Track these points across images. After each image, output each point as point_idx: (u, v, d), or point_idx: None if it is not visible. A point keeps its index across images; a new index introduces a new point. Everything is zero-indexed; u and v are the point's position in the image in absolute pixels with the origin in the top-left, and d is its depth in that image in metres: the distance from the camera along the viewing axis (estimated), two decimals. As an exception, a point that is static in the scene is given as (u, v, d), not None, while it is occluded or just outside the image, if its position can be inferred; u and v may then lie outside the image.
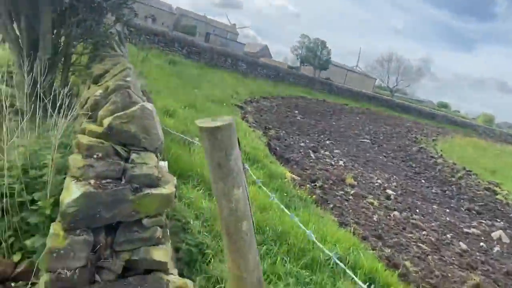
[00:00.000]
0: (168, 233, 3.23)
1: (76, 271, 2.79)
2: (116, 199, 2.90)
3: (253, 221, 2.02)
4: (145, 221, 3.07)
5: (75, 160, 2.96)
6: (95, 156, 3.04)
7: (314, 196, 6.73)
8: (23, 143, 3.55)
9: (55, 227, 2.82)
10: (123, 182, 3.04)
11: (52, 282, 2.71)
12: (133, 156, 3.23)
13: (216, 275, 3.28)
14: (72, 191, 2.80)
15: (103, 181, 2.96)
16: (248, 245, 1.99)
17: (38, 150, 3.47)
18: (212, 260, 3.46)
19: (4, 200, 3.17)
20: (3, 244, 3.15)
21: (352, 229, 5.85)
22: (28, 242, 3.13)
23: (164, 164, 3.70)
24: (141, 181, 3.07)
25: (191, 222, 3.73)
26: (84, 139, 3.11)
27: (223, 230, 2.00)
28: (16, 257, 3.14)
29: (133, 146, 3.30)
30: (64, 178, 3.24)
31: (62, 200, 2.78)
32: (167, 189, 3.17)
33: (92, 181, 2.91)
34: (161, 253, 3.07)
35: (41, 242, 3.01)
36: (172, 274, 3.13)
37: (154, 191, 3.07)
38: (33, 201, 3.24)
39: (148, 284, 2.95)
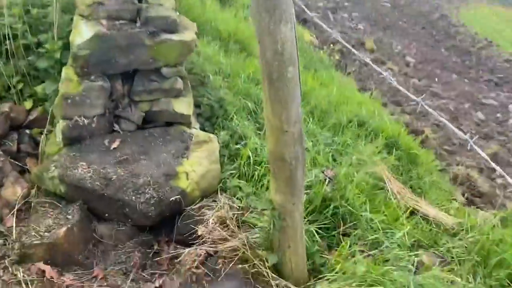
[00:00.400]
0: (189, 85, 2.98)
1: (94, 119, 2.61)
2: (131, 43, 2.58)
3: (299, 66, 1.72)
4: (164, 71, 2.79)
5: (82, -5, 2.56)
6: (104, -8, 2.63)
7: (334, 59, 6.37)
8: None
9: (67, 72, 2.56)
10: (138, 24, 2.68)
11: (69, 129, 2.55)
12: (147, -5, 2.81)
13: (239, 132, 3.12)
14: (82, 32, 2.47)
15: (116, 22, 2.62)
16: (292, 94, 1.73)
17: (37, -14, 3.02)
18: (235, 116, 3.26)
19: (7, 42, 2.86)
20: (12, 90, 2.92)
21: (372, 94, 5.61)
22: (38, 88, 2.89)
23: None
24: (158, 24, 2.71)
25: (211, 77, 3.45)
26: (90, -28, 2.66)
27: (263, 75, 1.72)
28: (28, 104, 2.94)
29: (145, -16, 2.85)
30: (71, 19, 2.88)
31: (72, 41, 2.47)
32: (188, 35, 2.82)
33: (104, 22, 2.56)
34: (183, 105, 2.85)
35: (53, 88, 2.77)
36: (194, 128, 2.97)
37: (173, 37, 2.73)
38: (39, 44, 2.93)
39: (170, 136, 2.79)
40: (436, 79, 8.31)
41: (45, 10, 2.96)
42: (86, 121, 2.55)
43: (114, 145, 2.61)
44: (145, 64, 2.70)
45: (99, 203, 2.43)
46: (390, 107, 5.79)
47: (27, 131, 2.90)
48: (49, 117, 2.84)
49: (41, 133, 2.89)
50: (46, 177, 2.43)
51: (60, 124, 2.54)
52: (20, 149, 2.83)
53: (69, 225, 2.26)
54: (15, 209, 2.43)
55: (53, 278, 2.14)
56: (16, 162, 2.76)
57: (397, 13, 13.88)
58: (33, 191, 2.61)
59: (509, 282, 2.73)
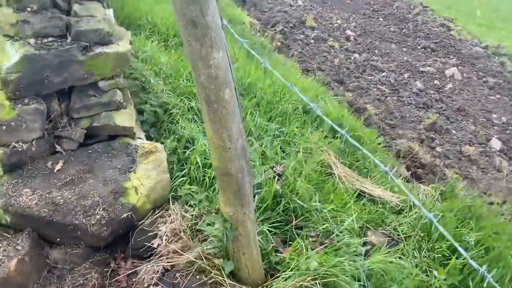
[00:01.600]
0: (129, 95, 2.92)
1: (33, 142, 2.53)
2: (64, 61, 2.50)
3: (235, 87, 1.75)
4: (101, 84, 2.73)
5: (6, 15, 2.44)
6: (29, 9, 2.51)
7: (276, 43, 6.40)
8: None
9: (-3, 98, 2.45)
10: (68, 40, 2.59)
11: (7, 156, 2.46)
12: (76, 7, 2.71)
13: (186, 136, 3.12)
14: (9, 54, 2.36)
15: (45, 40, 2.51)
16: (231, 114, 1.76)
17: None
18: (180, 120, 3.25)
19: None
20: None
21: (315, 76, 5.72)
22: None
23: (109, 12, 3.17)
24: (90, 38, 2.63)
25: (152, 81, 3.40)
26: (10, -12, 2.51)
27: (200, 97, 1.74)
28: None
29: (73, -5, 2.73)
30: (-6, 38, 2.72)
31: (0, 65, 2.35)
32: (122, 46, 2.76)
33: (31, 41, 2.45)
34: (125, 117, 2.81)
35: (-16, 113, 2.64)
36: (139, 138, 2.94)
37: (107, 49, 2.66)
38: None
39: (114, 151, 2.75)
40: (376, 51, 8.56)
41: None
42: (24, 146, 2.47)
43: (58, 166, 2.55)
44: (80, 80, 2.62)
45: (49, 229, 2.38)
46: (333, 85, 5.94)
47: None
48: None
49: (-24, 160, 2.76)
50: (-14, 208, 2.35)
51: (-3, 152, 2.44)
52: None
53: (19, 256, 2.21)
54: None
55: (9, 313, 2.11)
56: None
57: (335, -15, 14.02)
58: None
59: (450, 253, 2.97)
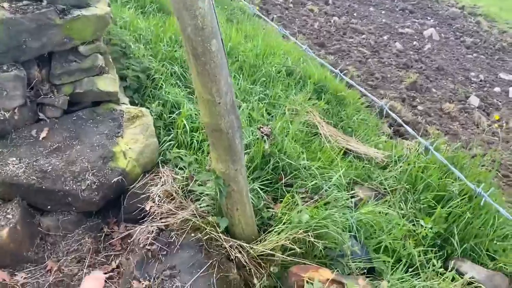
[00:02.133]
0: (111, 60, 2.86)
1: (15, 110, 2.47)
2: (41, 25, 2.42)
3: (222, 39, 1.73)
4: (81, 49, 2.66)
5: (-26, -22, 2.32)
6: (-1, -29, 2.40)
7: (254, 5, 6.30)
8: None
9: (-26, 65, 2.37)
10: (44, 3, 2.50)
11: (-11, 126, 2.41)
12: (48, -31, 2.60)
13: (171, 100, 3.09)
14: (-18, 19, 2.27)
15: (19, 4, 2.43)
16: (219, 67, 1.74)
17: None
18: (164, 85, 3.21)
19: None
20: None
21: (296, 38, 5.68)
22: None
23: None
24: (66, 1, 2.55)
25: (132, 46, 3.33)
26: (-22, -51, 2.39)
27: (187, 50, 1.71)
28: None
29: (44, -45, 2.62)
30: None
31: (-27, 30, 2.26)
32: (100, 8, 2.68)
33: (5, 5, 2.36)
34: (108, 82, 2.76)
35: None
36: (123, 103, 2.90)
37: (85, 12, 2.59)
38: None
39: (100, 117, 2.72)
40: (355, 14, 8.52)
41: None
42: (7, 115, 2.41)
43: (43, 134, 2.51)
44: (60, 45, 2.55)
45: (38, 197, 2.36)
46: (314, 49, 5.91)
47: None
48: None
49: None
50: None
51: (-22, 121, 2.38)
52: None
53: (11, 225, 2.20)
54: None
55: (5, 280, 2.11)
56: None
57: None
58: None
59: (435, 203, 3.06)
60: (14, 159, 2.38)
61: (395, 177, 3.32)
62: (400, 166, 3.38)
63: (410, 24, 8.76)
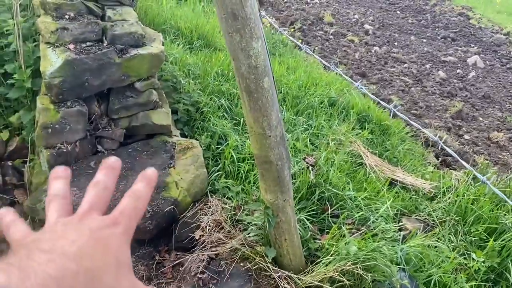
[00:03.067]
0: (164, 95, 3.03)
1: (77, 143, 2.65)
2: (102, 64, 2.61)
3: (273, 75, 1.82)
4: (137, 85, 2.84)
5: (46, 23, 2.56)
6: (66, 16, 2.64)
7: (295, 39, 6.46)
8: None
9: (43, 101, 2.58)
10: (105, 44, 2.71)
11: (53, 157, 2.58)
12: (109, 12, 2.83)
13: (219, 132, 3.21)
14: (52, 60, 2.48)
15: (83, 45, 2.63)
16: (271, 102, 1.83)
17: (-6, 15, 2.98)
18: (212, 117, 3.34)
19: (-28, 76, 2.84)
20: (-14, 124, 2.93)
21: (338, 70, 5.75)
22: (13, 118, 2.90)
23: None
24: (125, 41, 2.75)
25: (182, 81, 3.50)
26: (49, -2, 2.64)
27: (241, 87, 1.81)
28: (4, 135, 2.95)
29: (106, 1, 2.88)
30: (35, 46, 2.87)
31: (44, 70, 2.47)
32: (155, 47, 2.87)
33: (71, 46, 2.57)
34: (162, 116, 2.92)
35: (29, 117, 2.79)
36: (175, 136, 3.04)
37: (141, 51, 2.77)
38: (5, 74, 2.91)
39: (153, 149, 2.86)
40: (396, 44, 8.52)
41: (6, 40, 2.93)
42: (69, 147, 2.59)
43: (101, 165, 2.66)
44: (118, 82, 2.74)
45: (96, 225, 2.48)
46: (356, 79, 5.95)
47: (9, 162, 2.92)
48: (29, 147, 2.86)
49: (23, 163, 2.91)
50: (39, 207, 2.47)
51: (44, 154, 2.56)
52: (6, 181, 2.85)
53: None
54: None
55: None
56: (4, 196, 2.79)
57: (349, -19, 14.00)
58: (27, 223, 2.65)
59: (487, 236, 2.97)
60: (75, 188, 2.53)
61: (444, 208, 3.26)
62: (449, 197, 3.31)
63: (453, 52, 8.64)
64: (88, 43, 2.65)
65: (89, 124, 2.71)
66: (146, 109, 2.85)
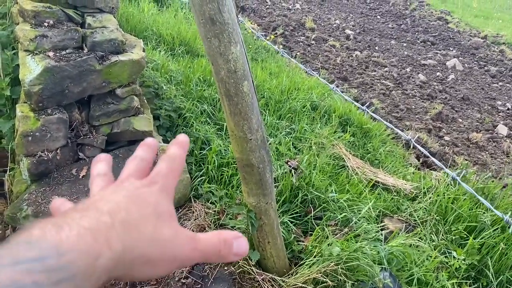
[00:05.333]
0: (145, 101, 3.03)
1: (58, 151, 2.63)
2: (82, 71, 2.60)
3: (253, 80, 1.85)
4: (118, 91, 2.84)
5: (24, 31, 2.55)
6: (45, 24, 2.62)
7: (278, 46, 6.51)
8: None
9: (22, 109, 2.55)
10: (85, 51, 2.70)
11: (34, 165, 2.56)
12: (89, 19, 2.83)
13: (202, 137, 3.21)
14: (31, 67, 2.47)
15: (63, 52, 2.62)
16: (251, 106, 1.85)
17: (-29, 23, 2.95)
18: (194, 123, 3.35)
19: (-50, 86, 2.80)
20: (-36, 134, 2.88)
21: (319, 74, 5.82)
22: (-8, 128, 2.86)
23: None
24: (105, 47, 2.75)
25: (164, 87, 3.51)
26: (27, 5, 2.64)
27: (221, 92, 1.83)
28: (-17, 145, 2.91)
29: (85, 8, 2.87)
30: (14, 54, 2.85)
31: (23, 78, 2.46)
32: (135, 53, 2.87)
33: (50, 54, 2.56)
34: (143, 122, 2.92)
35: (8, 126, 2.76)
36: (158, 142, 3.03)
37: (122, 57, 2.77)
38: (-16, 84, 2.88)
39: (135, 155, 2.85)
40: (376, 48, 8.65)
41: (-16, 48, 2.90)
42: (50, 155, 2.57)
43: (83, 173, 2.65)
44: (99, 89, 2.73)
45: (78, 232, 2.46)
46: (338, 83, 6.02)
47: (-12, 172, 2.87)
48: (9, 155, 2.82)
49: (3, 172, 2.87)
50: (20, 216, 2.44)
51: (25, 162, 2.54)
52: (-15, 191, 2.81)
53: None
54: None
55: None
56: (-16, 205, 2.75)
57: (330, -14, 14.19)
58: (7, 232, 2.62)
59: (467, 234, 3.03)
60: (56, 196, 2.51)
61: (425, 208, 3.32)
62: (430, 197, 3.37)
63: (432, 56, 8.81)
64: (68, 50, 2.64)
65: (70, 131, 2.69)
66: (127, 116, 2.85)
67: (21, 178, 2.64)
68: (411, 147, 4.64)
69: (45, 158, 2.56)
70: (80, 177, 2.64)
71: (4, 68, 2.81)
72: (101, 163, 0.58)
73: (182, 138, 0.60)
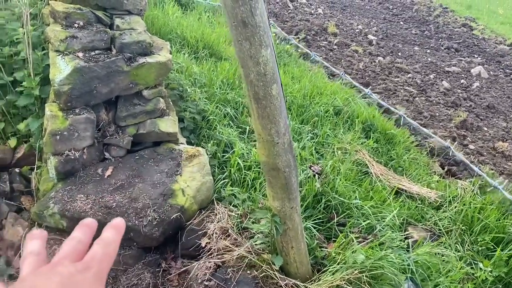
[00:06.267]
0: (171, 103, 3.05)
1: (84, 150, 2.67)
2: (111, 72, 2.64)
3: (281, 83, 1.84)
4: (145, 93, 2.86)
5: (55, 31, 2.59)
6: (76, 25, 2.67)
7: (300, 49, 6.50)
8: (-16, 17, 3.07)
9: (51, 108, 2.60)
10: (113, 52, 2.73)
11: (61, 164, 2.60)
12: (117, 21, 2.87)
13: (225, 140, 3.22)
14: (61, 68, 2.51)
15: (92, 53, 2.66)
16: (279, 109, 1.84)
17: (4, 24, 3.02)
18: (218, 126, 3.36)
19: (-18, 83, 2.87)
20: (-5, 131, 2.94)
21: (341, 80, 5.78)
22: (21, 126, 2.92)
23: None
24: (133, 49, 2.78)
25: (188, 90, 3.53)
26: (59, 6, 2.69)
27: (249, 94, 1.82)
28: (12, 142, 2.96)
29: (114, 10, 2.91)
30: (44, 54, 2.90)
31: (53, 78, 2.50)
32: (162, 55, 2.89)
33: (80, 54, 2.60)
34: (169, 124, 2.93)
35: (37, 124, 2.81)
36: (181, 143, 3.05)
37: (149, 59, 2.80)
38: (14, 82, 2.94)
39: (160, 156, 2.87)
40: (400, 54, 8.55)
41: (15, 48, 2.96)
42: (77, 154, 2.60)
43: (108, 172, 2.67)
44: (126, 90, 2.76)
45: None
46: (360, 88, 5.97)
47: (17, 169, 2.92)
48: (37, 154, 2.87)
49: (31, 170, 2.92)
50: (46, 214, 2.48)
51: (52, 160, 2.58)
52: (13, 188, 2.86)
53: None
54: (20, 250, 2.48)
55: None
56: (11, 202, 2.80)
57: (352, -8, 14.12)
58: (34, 229, 2.65)
59: (494, 245, 2.95)
60: (82, 195, 2.55)
61: (450, 217, 3.25)
62: (455, 207, 3.30)
63: (456, 63, 8.66)
64: (96, 51, 2.68)
65: (97, 131, 2.73)
66: (153, 117, 2.87)
67: (48, 176, 2.68)
68: (436, 155, 4.57)
69: (72, 157, 2.60)
70: (105, 176, 2.66)
71: (34, 68, 2.87)
72: (35, 241, 0.57)
73: (118, 222, 0.59)
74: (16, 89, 2.87)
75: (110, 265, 0.53)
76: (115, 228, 0.58)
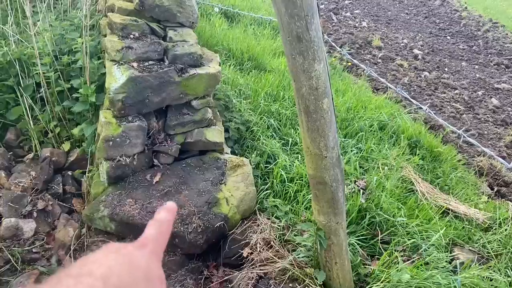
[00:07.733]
0: (218, 113, 3.11)
1: (135, 157, 2.76)
2: (163, 82, 2.73)
3: (332, 98, 1.84)
4: (194, 103, 2.93)
5: (112, 42, 2.71)
6: (131, 36, 2.77)
7: (344, 62, 6.47)
8: (46, 27, 3.25)
9: (105, 115, 2.71)
10: (166, 63, 2.83)
11: (113, 169, 2.70)
12: (170, 33, 2.96)
13: (268, 151, 3.24)
14: (116, 77, 2.62)
15: (146, 63, 2.76)
16: (329, 123, 1.84)
17: (64, 34, 3.18)
18: (261, 136, 3.39)
19: (42, 89, 3.03)
20: (50, 134, 3.09)
21: (387, 94, 5.70)
22: (75, 131, 3.05)
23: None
24: (184, 60, 2.86)
25: (234, 101, 3.59)
26: (117, 18, 2.81)
27: (300, 108, 1.84)
28: (66, 146, 3.11)
29: (168, 22, 3.01)
30: (100, 63, 3.03)
31: (108, 87, 2.62)
32: (212, 67, 2.96)
33: (134, 64, 2.70)
34: (215, 134, 2.99)
35: (90, 130, 2.93)
36: (226, 153, 3.09)
37: (199, 71, 2.87)
38: (71, 89, 3.09)
39: (206, 165, 2.93)
40: (446, 69, 8.34)
41: (73, 57, 3.12)
42: (128, 160, 2.70)
43: (156, 179, 2.75)
44: (176, 100, 2.84)
45: (149, 236, 2.55)
46: (405, 103, 5.86)
47: (69, 172, 3.06)
48: (89, 158, 3.00)
49: (82, 173, 3.04)
50: (96, 217, 2.57)
51: (104, 165, 2.68)
52: (65, 190, 2.99)
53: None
54: (71, 250, 2.58)
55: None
56: (64, 204, 2.92)
57: (397, 5, 13.92)
58: (83, 230, 2.76)
59: (548, 273, 2.81)
60: (131, 200, 2.63)
61: (500, 240, 3.11)
62: (505, 229, 3.17)
63: (506, 79, 8.34)
64: (150, 62, 2.78)
65: (147, 138, 2.82)
66: (201, 126, 2.93)
67: (99, 180, 2.79)
68: (485, 174, 4.41)
69: (123, 163, 2.69)
70: (154, 183, 2.74)
71: (91, 76, 3.00)
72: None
73: (170, 204, 0.64)
74: (73, 95, 3.01)
75: (165, 243, 0.59)
76: (168, 210, 0.63)
